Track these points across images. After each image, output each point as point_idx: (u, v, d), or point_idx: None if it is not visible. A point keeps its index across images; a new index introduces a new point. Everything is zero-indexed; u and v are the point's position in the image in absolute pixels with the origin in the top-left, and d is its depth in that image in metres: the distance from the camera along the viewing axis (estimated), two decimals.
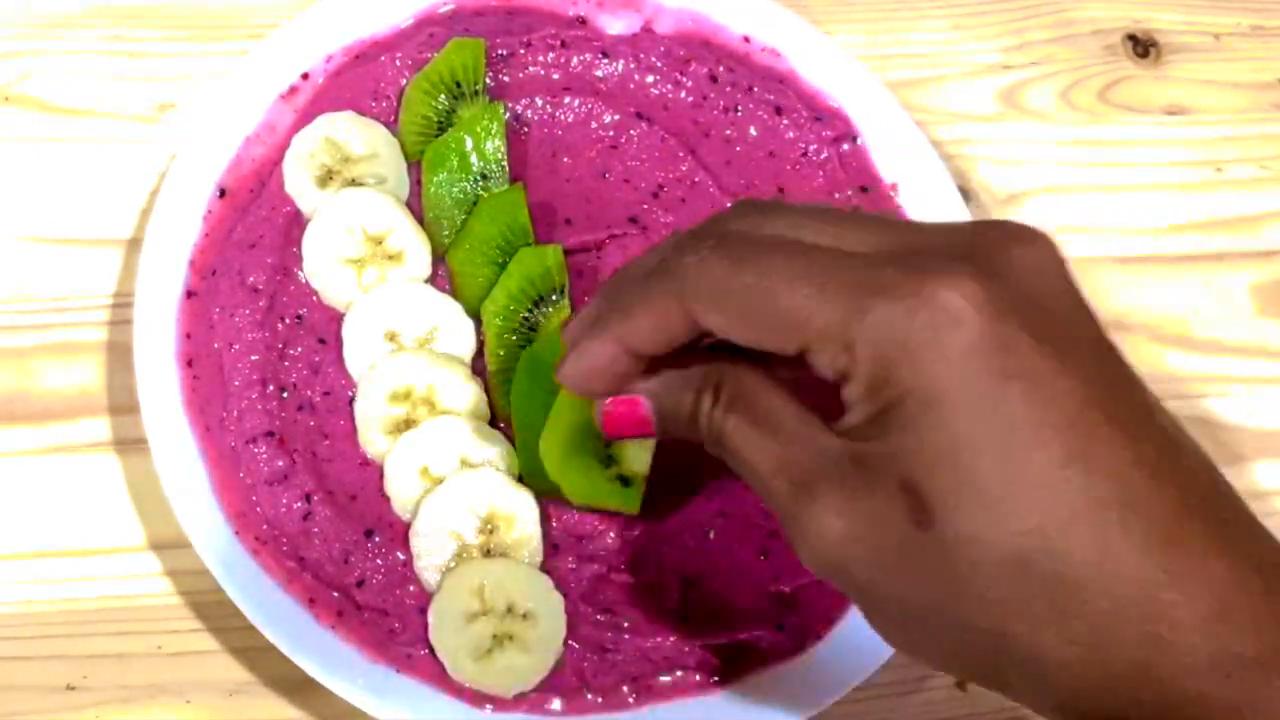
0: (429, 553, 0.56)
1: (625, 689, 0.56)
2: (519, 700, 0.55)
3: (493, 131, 0.61)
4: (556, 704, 0.56)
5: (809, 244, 0.41)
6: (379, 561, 0.56)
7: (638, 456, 0.56)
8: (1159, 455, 0.39)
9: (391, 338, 0.59)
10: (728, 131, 0.66)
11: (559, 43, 0.65)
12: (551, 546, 0.57)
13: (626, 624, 0.57)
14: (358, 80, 0.63)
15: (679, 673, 0.57)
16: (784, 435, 0.41)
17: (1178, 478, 0.39)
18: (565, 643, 0.56)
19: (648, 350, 0.43)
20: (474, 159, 0.61)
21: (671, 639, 0.57)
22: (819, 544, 0.40)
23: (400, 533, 0.57)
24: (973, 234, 0.40)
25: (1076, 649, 0.38)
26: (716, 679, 0.57)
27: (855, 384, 0.39)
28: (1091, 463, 0.37)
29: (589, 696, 0.56)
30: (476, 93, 0.63)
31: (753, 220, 0.43)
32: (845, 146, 0.66)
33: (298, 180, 0.61)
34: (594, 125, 0.65)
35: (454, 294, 0.60)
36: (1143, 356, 0.69)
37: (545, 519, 0.57)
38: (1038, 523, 0.37)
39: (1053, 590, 0.38)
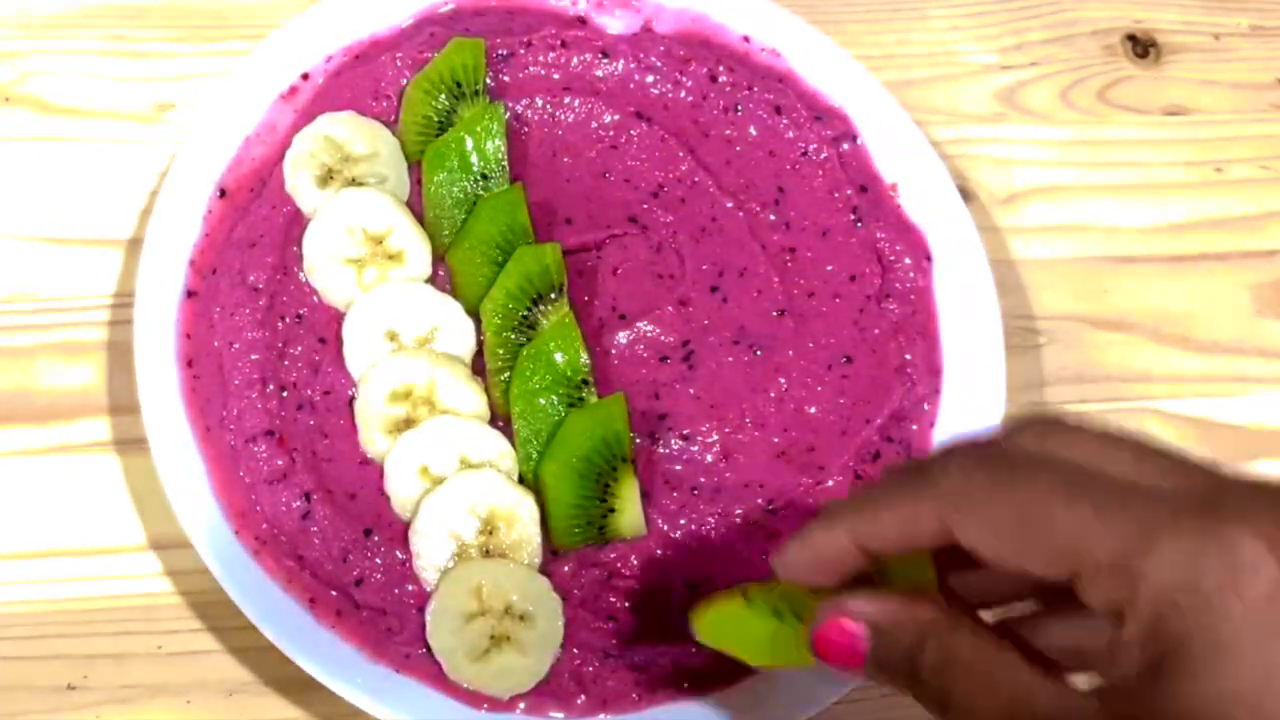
0: (428, 552, 0.56)
1: (629, 693, 0.56)
2: (516, 702, 0.55)
3: (493, 131, 0.61)
4: (554, 708, 0.56)
5: (1094, 469, 0.38)
6: (378, 560, 0.56)
7: (630, 519, 0.57)
8: None
9: (391, 337, 0.59)
10: (728, 131, 0.66)
11: (559, 43, 0.65)
12: (550, 553, 0.57)
13: (630, 628, 0.57)
14: (358, 80, 0.63)
15: (683, 675, 0.56)
16: (1030, 704, 0.38)
17: None
18: (564, 648, 0.56)
19: (883, 549, 0.41)
20: (474, 159, 0.61)
21: (676, 642, 0.57)
22: None
23: (399, 532, 0.57)
24: (1261, 494, 0.37)
25: None
26: (721, 680, 0.57)
27: (1133, 622, 0.36)
28: None
29: (590, 701, 0.56)
30: (477, 93, 0.63)
31: (1037, 437, 0.40)
32: (845, 146, 0.66)
33: (298, 180, 0.61)
34: (594, 125, 0.65)
35: (454, 293, 0.60)
36: (1143, 356, 0.69)
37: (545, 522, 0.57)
38: None
39: None
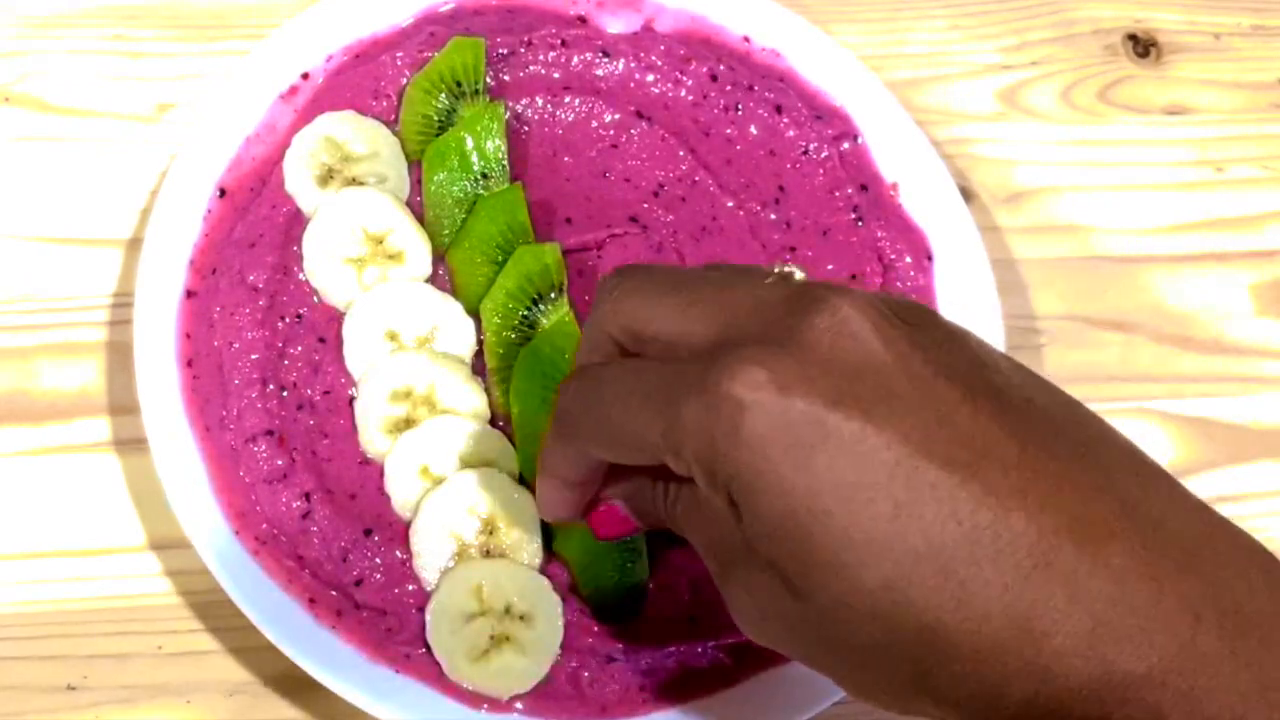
0: (428, 552, 0.56)
1: (629, 696, 0.56)
2: (515, 702, 0.55)
3: (493, 131, 0.61)
4: (554, 709, 0.55)
5: (644, 359, 0.43)
6: (378, 560, 0.56)
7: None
8: (1015, 473, 0.37)
9: (392, 337, 0.59)
10: (728, 130, 0.66)
11: (559, 42, 0.65)
12: (550, 553, 0.57)
13: (631, 631, 0.57)
14: (358, 80, 0.63)
15: (686, 677, 0.56)
16: (715, 525, 0.43)
17: (1039, 488, 0.37)
18: (564, 649, 0.56)
19: (580, 480, 0.47)
20: (474, 158, 0.61)
21: (681, 642, 0.56)
22: (739, 616, 0.43)
23: (400, 532, 0.57)
24: (778, 307, 0.41)
25: (964, 691, 0.38)
26: (724, 680, 0.57)
27: (700, 483, 0.41)
28: (920, 509, 0.37)
29: (590, 703, 0.56)
30: (477, 92, 0.63)
31: (615, 298, 0.44)
32: (845, 145, 0.66)
33: (298, 180, 0.61)
34: (594, 124, 0.65)
35: (454, 293, 0.60)
36: (1143, 356, 0.69)
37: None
38: (885, 578, 0.37)
39: (922, 641, 0.37)
